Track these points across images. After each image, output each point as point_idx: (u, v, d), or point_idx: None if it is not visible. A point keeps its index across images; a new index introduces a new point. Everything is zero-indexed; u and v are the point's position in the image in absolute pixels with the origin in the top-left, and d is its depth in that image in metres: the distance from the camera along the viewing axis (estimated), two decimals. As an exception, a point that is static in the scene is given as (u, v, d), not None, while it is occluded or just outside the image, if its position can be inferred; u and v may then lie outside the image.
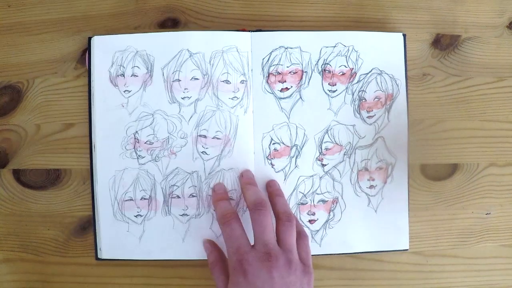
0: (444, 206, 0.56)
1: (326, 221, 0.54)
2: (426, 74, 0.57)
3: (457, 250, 0.56)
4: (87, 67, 0.54)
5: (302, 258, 0.46)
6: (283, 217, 0.47)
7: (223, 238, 0.46)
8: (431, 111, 0.56)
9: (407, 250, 0.54)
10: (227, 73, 0.53)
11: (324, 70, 0.54)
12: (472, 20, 0.57)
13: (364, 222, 0.54)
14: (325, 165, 0.54)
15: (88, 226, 0.54)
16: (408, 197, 0.54)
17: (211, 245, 0.51)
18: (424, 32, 0.57)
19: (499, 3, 0.58)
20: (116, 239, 0.53)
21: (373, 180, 0.54)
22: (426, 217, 0.56)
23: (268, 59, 0.53)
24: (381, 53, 0.54)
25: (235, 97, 0.53)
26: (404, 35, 0.55)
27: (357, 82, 0.54)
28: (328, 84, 0.54)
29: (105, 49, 0.53)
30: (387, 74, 0.55)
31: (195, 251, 0.53)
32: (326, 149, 0.54)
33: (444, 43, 0.57)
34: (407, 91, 0.55)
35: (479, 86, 0.57)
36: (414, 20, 0.57)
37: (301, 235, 0.48)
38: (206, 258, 0.52)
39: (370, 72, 0.54)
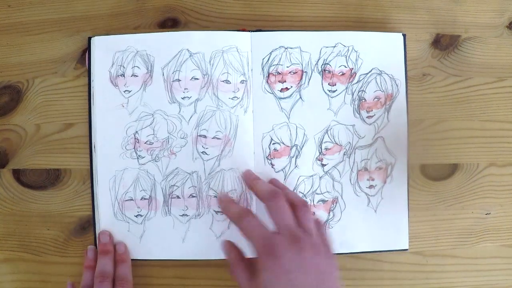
0: (444, 206, 0.56)
1: (326, 221, 0.54)
2: (426, 74, 0.56)
3: (457, 250, 0.56)
4: (87, 67, 0.53)
5: (323, 242, 0.44)
6: (298, 203, 0.45)
7: (243, 234, 0.44)
8: (431, 111, 0.56)
9: (406, 250, 0.54)
10: (227, 73, 0.53)
11: (324, 70, 0.54)
12: (472, 20, 0.57)
13: (363, 222, 0.54)
14: (325, 165, 0.54)
15: (88, 226, 0.54)
16: (408, 197, 0.54)
17: (230, 245, 0.49)
18: (424, 32, 0.57)
19: (499, 3, 0.57)
20: (116, 239, 0.52)
21: (373, 180, 0.54)
22: (426, 217, 0.55)
23: (268, 59, 0.53)
24: (381, 53, 0.54)
25: (235, 97, 0.53)
26: (404, 35, 0.55)
27: (356, 82, 0.54)
28: (328, 84, 0.54)
29: (105, 49, 0.53)
30: (387, 74, 0.54)
31: (195, 251, 0.52)
32: (326, 149, 0.54)
33: (444, 43, 0.57)
34: (406, 91, 0.55)
35: (479, 86, 0.57)
36: (414, 20, 0.57)
37: (317, 221, 0.48)
38: (206, 258, 0.52)
39: (370, 72, 0.54)
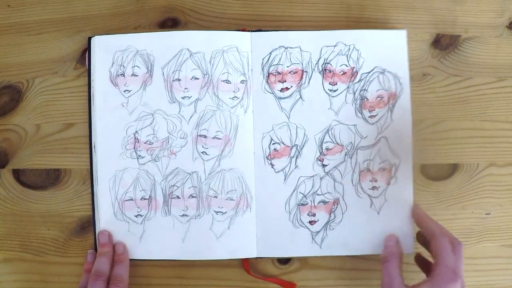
0: (444, 206, 0.55)
1: (327, 222, 0.52)
2: (426, 74, 0.55)
3: (457, 250, 0.55)
4: (87, 67, 0.52)
5: None
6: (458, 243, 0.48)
7: (432, 251, 0.46)
8: (431, 111, 0.55)
9: (411, 253, 0.53)
10: (228, 72, 0.52)
11: (325, 69, 0.52)
12: (472, 20, 0.56)
13: (366, 224, 0.52)
14: (326, 165, 0.52)
15: (88, 226, 0.53)
16: (413, 199, 0.52)
17: (396, 239, 0.51)
18: (424, 32, 0.56)
19: (499, 3, 0.56)
20: (116, 239, 0.51)
21: (376, 181, 0.52)
22: (426, 217, 0.54)
23: (268, 59, 0.52)
24: (383, 51, 0.53)
25: (235, 97, 0.52)
26: (407, 32, 0.53)
27: (358, 81, 0.52)
28: (329, 83, 0.52)
29: (106, 48, 0.52)
30: (390, 72, 0.53)
31: (195, 252, 0.51)
32: (327, 149, 0.52)
33: (444, 43, 0.56)
34: (411, 89, 0.53)
35: (479, 86, 0.56)
36: (414, 20, 0.56)
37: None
38: (206, 258, 0.51)
39: (372, 70, 0.52)
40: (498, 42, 0.56)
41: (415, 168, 0.55)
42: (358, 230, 0.52)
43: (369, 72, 0.53)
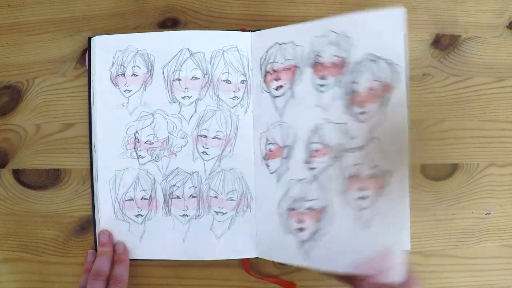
0: (444, 206, 0.54)
1: (314, 232, 0.47)
2: (426, 74, 0.55)
3: (457, 250, 0.54)
4: (87, 67, 0.52)
5: None
6: None
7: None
8: (431, 111, 0.54)
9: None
10: (228, 72, 0.51)
11: (316, 62, 0.47)
12: (472, 20, 0.55)
13: (354, 238, 0.45)
14: (313, 168, 0.47)
15: (88, 226, 0.52)
16: (409, 211, 0.45)
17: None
18: (424, 32, 0.55)
19: (499, 3, 0.56)
20: (116, 239, 0.51)
21: (366, 189, 0.45)
22: (426, 217, 0.54)
23: (265, 57, 0.51)
24: (376, 35, 0.45)
25: (235, 96, 0.51)
26: (405, 11, 0.44)
27: (349, 73, 0.46)
28: (318, 78, 0.47)
29: (106, 48, 0.51)
30: (384, 59, 0.44)
31: (195, 252, 0.50)
32: (314, 150, 0.47)
33: (444, 43, 0.55)
34: (408, 79, 0.45)
35: (479, 86, 0.55)
36: (414, 20, 0.55)
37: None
38: (206, 258, 0.51)
39: (363, 59, 0.45)
40: (498, 42, 0.55)
41: (415, 168, 0.54)
42: (345, 245, 0.45)
43: (360, 62, 0.45)
